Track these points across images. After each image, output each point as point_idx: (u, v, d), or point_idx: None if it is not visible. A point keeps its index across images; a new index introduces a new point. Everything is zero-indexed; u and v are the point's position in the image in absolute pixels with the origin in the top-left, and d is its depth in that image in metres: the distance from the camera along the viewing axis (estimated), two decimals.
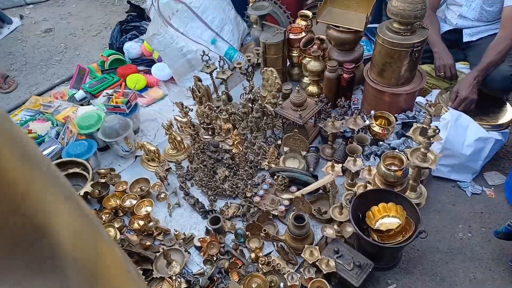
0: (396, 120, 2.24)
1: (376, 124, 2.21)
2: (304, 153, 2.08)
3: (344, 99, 2.40)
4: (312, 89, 2.54)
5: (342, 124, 2.03)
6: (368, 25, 2.21)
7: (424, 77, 2.12)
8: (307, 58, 2.59)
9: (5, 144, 0.23)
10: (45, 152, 2.31)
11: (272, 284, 1.51)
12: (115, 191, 2.11)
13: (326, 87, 2.45)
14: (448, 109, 1.83)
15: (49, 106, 2.77)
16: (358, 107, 2.52)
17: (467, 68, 2.08)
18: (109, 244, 0.33)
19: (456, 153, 1.78)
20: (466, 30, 2.09)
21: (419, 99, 2.09)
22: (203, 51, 2.44)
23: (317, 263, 1.49)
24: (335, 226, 1.72)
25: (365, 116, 2.28)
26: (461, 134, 1.75)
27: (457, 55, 2.14)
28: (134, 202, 1.99)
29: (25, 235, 0.23)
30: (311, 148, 2.11)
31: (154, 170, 2.15)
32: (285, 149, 2.13)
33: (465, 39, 2.09)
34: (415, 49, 1.79)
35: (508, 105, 1.92)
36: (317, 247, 1.56)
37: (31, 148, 0.26)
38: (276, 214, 1.88)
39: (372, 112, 2.28)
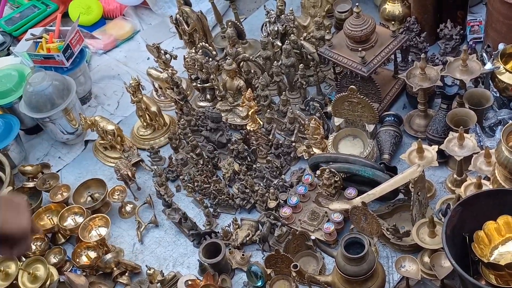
0: None
1: (507, 70, 2.13)
2: (371, 127, 2.08)
3: (452, 25, 2.34)
4: (393, 8, 2.49)
5: (441, 71, 2.02)
6: None
7: None
8: None
9: None
10: None
11: None
12: (51, 202, 2.20)
13: (416, 3, 2.39)
14: None
15: None
16: (481, 37, 2.46)
17: None
18: None
19: None
20: None
21: None
22: None
23: None
24: (425, 258, 1.77)
25: (485, 54, 2.19)
26: None
27: None
28: (80, 220, 2.08)
29: None
30: (387, 119, 2.12)
31: (114, 165, 2.20)
32: (337, 121, 2.12)
33: None
34: None
35: None
36: None
37: None
38: (320, 238, 1.92)
39: (500, 46, 2.20)
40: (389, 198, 1.99)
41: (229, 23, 2.47)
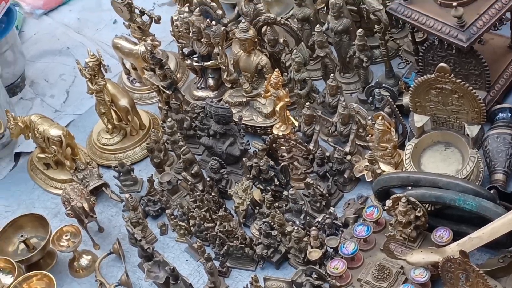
0: None
1: None
2: (475, 130, 1.90)
3: None
4: None
5: None
6: None
7: None
8: None
9: None
10: None
11: None
12: None
13: None
14: None
15: None
16: None
17: None
18: None
19: None
20: None
21: None
22: None
23: None
24: None
25: None
26: None
27: None
28: (7, 280, 1.93)
29: None
30: (500, 116, 2.02)
31: (61, 193, 2.08)
32: (420, 120, 1.96)
33: None
34: None
35: None
36: None
37: None
38: None
39: None
40: (505, 245, 1.87)
41: None
